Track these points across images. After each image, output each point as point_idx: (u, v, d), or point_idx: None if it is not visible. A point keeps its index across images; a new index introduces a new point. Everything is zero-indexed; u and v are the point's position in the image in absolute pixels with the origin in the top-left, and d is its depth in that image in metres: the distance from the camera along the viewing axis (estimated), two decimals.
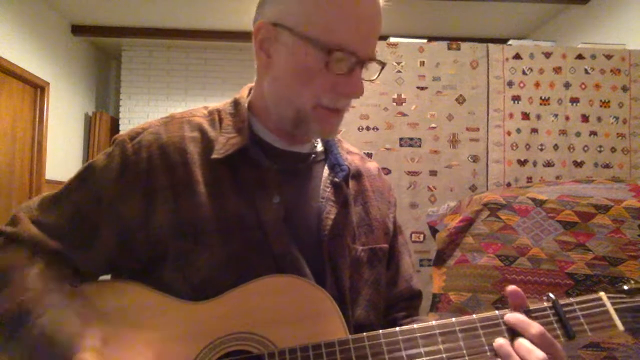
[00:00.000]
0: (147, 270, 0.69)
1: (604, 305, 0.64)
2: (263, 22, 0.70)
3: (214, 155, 0.71)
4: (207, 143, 0.73)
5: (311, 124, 0.70)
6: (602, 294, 0.65)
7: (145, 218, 0.68)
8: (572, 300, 0.64)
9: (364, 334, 0.63)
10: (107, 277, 0.73)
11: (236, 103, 0.79)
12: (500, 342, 0.60)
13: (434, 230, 1.86)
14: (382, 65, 0.72)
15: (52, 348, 0.60)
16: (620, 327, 0.62)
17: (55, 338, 0.61)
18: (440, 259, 1.74)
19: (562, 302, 0.64)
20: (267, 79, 0.73)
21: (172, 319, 0.65)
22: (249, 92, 0.81)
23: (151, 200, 0.68)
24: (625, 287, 0.66)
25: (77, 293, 0.68)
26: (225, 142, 0.72)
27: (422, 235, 2.16)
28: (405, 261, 0.88)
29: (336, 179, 0.77)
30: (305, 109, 0.69)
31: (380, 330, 0.63)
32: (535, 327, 0.60)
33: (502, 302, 1.61)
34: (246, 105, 0.78)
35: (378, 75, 0.73)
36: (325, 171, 0.79)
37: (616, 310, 0.63)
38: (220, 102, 0.81)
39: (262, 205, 0.70)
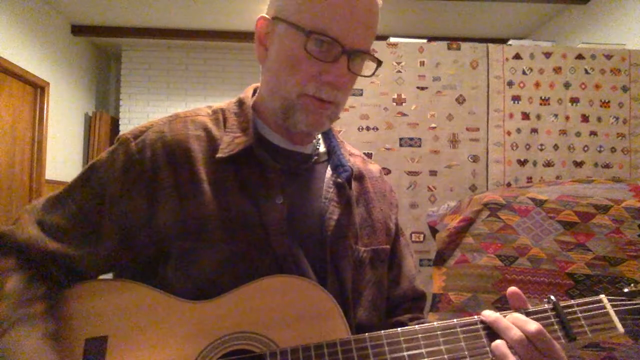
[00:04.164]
0: (149, 269, 0.69)
1: (604, 307, 0.64)
2: (263, 17, 0.73)
3: (219, 155, 0.71)
4: (211, 142, 0.73)
5: (297, 113, 0.70)
6: (602, 296, 0.65)
7: (148, 217, 0.68)
8: (572, 302, 0.64)
9: (366, 334, 0.63)
10: (109, 275, 0.73)
11: (240, 103, 0.79)
12: (497, 342, 0.61)
13: (434, 230, 1.86)
14: (377, 62, 0.72)
15: None
16: (621, 329, 0.63)
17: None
18: (440, 259, 1.74)
19: (562, 304, 0.64)
20: (264, 72, 0.75)
21: (174, 318, 0.65)
22: (254, 93, 0.81)
23: (155, 199, 0.68)
24: (626, 290, 0.67)
25: (51, 312, 0.65)
26: (230, 142, 0.72)
27: (422, 235, 2.16)
28: (408, 262, 0.88)
29: (339, 180, 0.77)
30: (290, 97, 0.70)
31: (382, 331, 0.63)
32: (533, 324, 0.60)
33: (502, 302, 1.61)
34: (251, 105, 0.78)
35: (374, 73, 0.72)
36: (328, 172, 0.79)
37: (616, 312, 0.64)
38: (222, 101, 0.81)
39: (265, 205, 0.70)
